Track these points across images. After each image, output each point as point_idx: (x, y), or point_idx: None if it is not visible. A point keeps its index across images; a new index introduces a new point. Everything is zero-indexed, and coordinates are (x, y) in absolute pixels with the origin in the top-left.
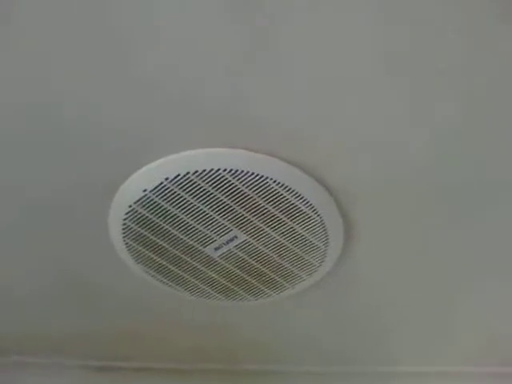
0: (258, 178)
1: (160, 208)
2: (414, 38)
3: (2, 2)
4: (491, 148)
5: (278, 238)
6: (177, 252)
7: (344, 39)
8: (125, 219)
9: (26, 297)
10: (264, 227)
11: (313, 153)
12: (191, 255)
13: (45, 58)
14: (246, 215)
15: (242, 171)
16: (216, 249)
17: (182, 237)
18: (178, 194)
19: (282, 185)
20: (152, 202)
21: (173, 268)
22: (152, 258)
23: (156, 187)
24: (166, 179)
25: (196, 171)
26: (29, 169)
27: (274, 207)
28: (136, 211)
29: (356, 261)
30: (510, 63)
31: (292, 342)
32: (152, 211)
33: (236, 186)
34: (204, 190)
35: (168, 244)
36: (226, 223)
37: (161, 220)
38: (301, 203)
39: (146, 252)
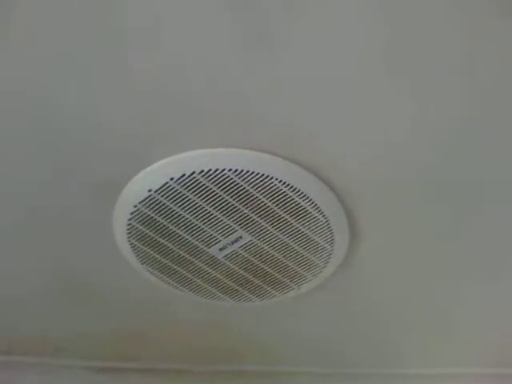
0: (263, 178)
1: (165, 208)
2: (414, 38)
3: (2, 2)
4: (494, 147)
5: (283, 238)
6: (181, 252)
7: (344, 39)
8: (129, 219)
9: (29, 297)
10: (269, 228)
11: (317, 153)
12: (196, 255)
13: (45, 58)
14: (251, 215)
15: (248, 171)
16: (221, 249)
17: (186, 237)
18: (183, 194)
19: (288, 185)
20: (157, 202)
21: (177, 268)
22: (157, 259)
23: (161, 187)
24: (171, 179)
25: (201, 171)
26: (33, 169)
27: (279, 207)
28: (141, 211)
29: (361, 261)
30: (510, 63)
31: (297, 342)
32: (157, 211)
33: (241, 185)
34: (209, 190)
35: (173, 244)
36: (231, 223)
37: (166, 220)
38: (306, 203)
39: (151, 252)
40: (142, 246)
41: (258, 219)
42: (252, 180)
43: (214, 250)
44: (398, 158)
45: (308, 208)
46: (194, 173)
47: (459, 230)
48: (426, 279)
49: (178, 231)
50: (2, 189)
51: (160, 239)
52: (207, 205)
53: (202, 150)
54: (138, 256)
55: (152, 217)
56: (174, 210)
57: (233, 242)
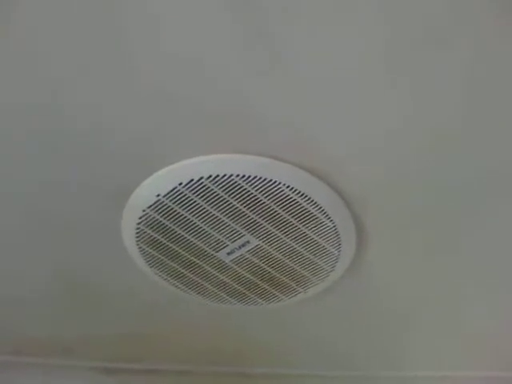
0: (270, 183)
1: (173, 213)
2: (414, 38)
3: (2, 2)
4: (495, 147)
5: (290, 242)
6: (190, 256)
7: (344, 39)
8: (138, 223)
9: (37, 298)
10: (276, 232)
11: (324, 157)
12: (204, 259)
13: (53, 60)
14: (259, 220)
15: (255, 177)
16: (228, 253)
17: (194, 241)
18: (191, 199)
19: (295, 190)
20: (165, 207)
21: (185, 272)
22: (165, 262)
23: (169, 192)
24: (180, 184)
25: (209, 176)
26: (44, 173)
27: (286, 212)
28: (149, 216)
29: (368, 266)
30: (510, 63)
31: (303, 345)
32: (165, 216)
33: (249, 191)
34: (217, 195)
35: (181, 248)
36: (239, 228)
37: (174, 224)
38: (313, 208)
39: (159, 256)
40: (150, 250)
41: (266, 224)
42: (259, 185)
43: (221, 254)
44: (403, 163)
45: (315, 213)
46: (202, 178)
47: (469, 234)
48: (432, 283)
49: (186, 235)
50: (14, 193)
51: (168, 243)
52: (215, 210)
53: (210, 155)
54: (146, 259)
55: (160, 221)
56: (182, 215)
57: (240, 247)
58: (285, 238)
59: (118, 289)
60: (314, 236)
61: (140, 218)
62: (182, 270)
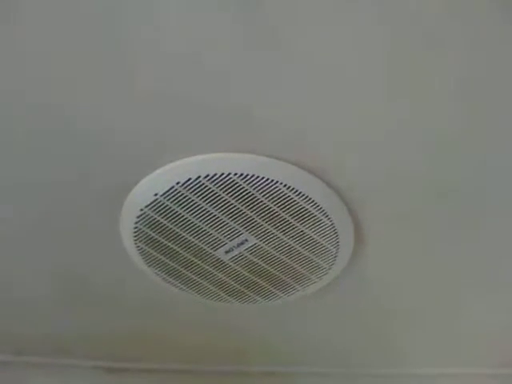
0: (268, 181)
1: (171, 212)
2: (414, 39)
3: (3, 2)
4: (495, 149)
5: (288, 241)
6: (188, 255)
7: (345, 39)
8: (136, 223)
9: (36, 298)
10: (274, 231)
11: (321, 156)
12: (202, 258)
13: (53, 60)
14: (257, 219)
15: (253, 175)
16: (227, 252)
17: (193, 240)
18: (189, 198)
19: (292, 188)
20: (163, 206)
21: (184, 271)
22: (163, 261)
23: (167, 191)
24: (177, 183)
25: (207, 175)
26: (40, 174)
27: (284, 211)
28: (147, 215)
29: (366, 263)
30: (510, 63)
31: (302, 343)
32: (163, 215)
33: (246, 189)
34: (215, 193)
35: (179, 247)
36: (237, 227)
37: (172, 223)
38: (311, 207)
39: (158, 255)
40: (148, 249)
41: (264, 222)
42: (257, 184)
43: (219, 253)
44: (401, 162)
45: (313, 211)
46: (199, 177)
47: (466, 231)
48: (430, 280)
49: (184, 234)
50: (11, 193)
51: (166, 242)
52: (213, 208)
53: (208, 154)
54: (144, 259)
55: (158, 220)
56: (180, 214)
57: (238, 245)
58: (283, 237)
59: (117, 288)
60: (312, 234)
61: (138, 217)
62: (181, 269)
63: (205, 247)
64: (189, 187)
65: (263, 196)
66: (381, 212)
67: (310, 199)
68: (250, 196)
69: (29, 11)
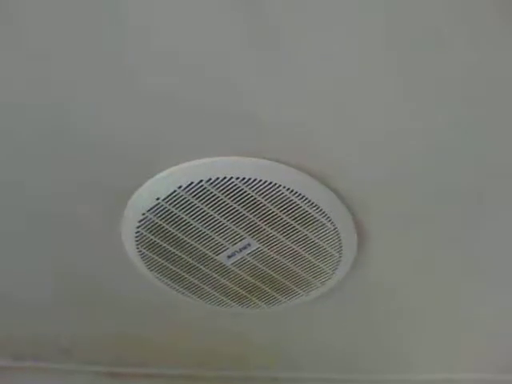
0: (270, 185)
1: (173, 216)
2: (415, 39)
3: (3, 2)
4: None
5: (291, 245)
6: (190, 260)
7: (345, 40)
8: (138, 227)
9: (38, 302)
10: (277, 235)
11: (324, 159)
12: (204, 263)
13: (53, 61)
14: (259, 223)
15: (255, 179)
16: (229, 256)
17: (195, 245)
18: (191, 202)
19: (295, 192)
20: (165, 210)
21: (186, 275)
22: (165, 266)
23: (169, 195)
24: (179, 187)
25: (209, 179)
26: (42, 177)
27: (286, 215)
28: (149, 219)
29: (369, 268)
30: (510, 63)
31: (305, 349)
32: (165, 219)
33: (249, 193)
34: (217, 198)
35: (181, 252)
36: (239, 231)
37: (174, 228)
38: (314, 211)
39: (160, 260)
40: (150, 254)
41: (266, 227)
42: (259, 188)
43: (222, 258)
44: (404, 166)
45: (315, 215)
46: (201, 181)
47: (470, 236)
48: (435, 285)
49: (186, 239)
50: (12, 195)
51: (168, 247)
52: (215, 212)
53: (210, 158)
54: (146, 263)
55: (160, 225)
56: (182, 218)
57: (241, 250)
58: (285, 241)
59: (119, 293)
60: (314, 238)
61: (140, 221)
62: (183, 274)
63: (207, 252)
64: (191, 191)
65: (266, 200)
66: (384, 216)
67: (312, 203)
68: (252, 200)
69: (29, 11)
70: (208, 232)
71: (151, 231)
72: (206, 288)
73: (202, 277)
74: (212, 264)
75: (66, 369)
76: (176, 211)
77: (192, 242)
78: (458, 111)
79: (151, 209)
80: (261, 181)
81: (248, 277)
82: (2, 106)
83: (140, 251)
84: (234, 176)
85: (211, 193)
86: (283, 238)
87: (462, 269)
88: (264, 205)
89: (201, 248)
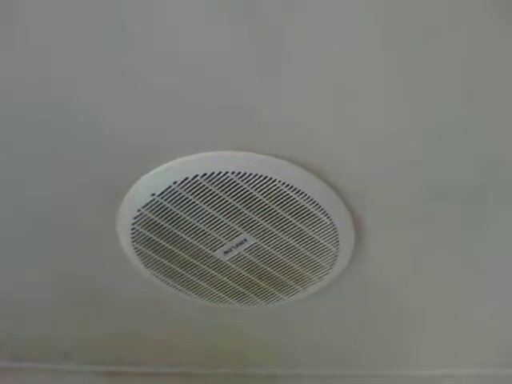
0: (266, 180)
1: (168, 212)
2: (415, 39)
3: (4, 2)
4: (495, 147)
5: (288, 240)
6: (186, 256)
7: (345, 39)
8: (133, 224)
9: (35, 302)
10: (274, 230)
11: (321, 154)
12: (201, 259)
13: (53, 60)
14: (256, 218)
15: (251, 173)
16: (225, 252)
17: (191, 241)
18: (187, 198)
19: (291, 187)
20: (160, 206)
21: (182, 272)
22: (161, 263)
23: (164, 191)
24: (174, 183)
25: (204, 174)
26: (37, 174)
27: (283, 209)
28: (144, 215)
29: (367, 263)
30: (510, 62)
31: (304, 345)
32: (160, 215)
33: (244, 188)
34: (213, 193)
35: (177, 248)
36: (235, 226)
37: (169, 224)
38: (310, 205)
39: (156, 256)
40: (146, 250)
41: (262, 221)
42: (255, 182)
43: (218, 253)
44: (400, 158)
45: (312, 210)
46: (196, 176)
47: (468, 232)
48: (432, 279)
49: (182, 235)
50: (8, 193)
51: (164, 243)
52: (211, 208)
53: (205, 153)
54: (142, 260)
55: (156, 221)
56: (177, 214)
57: (237, 245)
58: (282, 236)
59: (116, 291)
60: (311, 233)
61: (135, 218)
62: (179, 270)
63: (203, 248)
64: (186, 187)
65: (262, 194)
66: (381, 211)
67: (308, 197)
68: (248, 195)
69: (28, 11)
70: (204, 228)
71: (147, 227)
72: (203, 284)
73: (199, 273)
74: (209, 260)
75: (64, 369)
76: (171, 207)
77: (188, 238)
78: (458, 111)
79: (146, 205)
80: (257, 175)
81: (245, 273)
82: (2, 106)
83: (136, 248)
84: (230, 171)
85: (207, 188)
86: (280, 233)
87: (461, 264)
88: (260, 199)
89: (197, 244)
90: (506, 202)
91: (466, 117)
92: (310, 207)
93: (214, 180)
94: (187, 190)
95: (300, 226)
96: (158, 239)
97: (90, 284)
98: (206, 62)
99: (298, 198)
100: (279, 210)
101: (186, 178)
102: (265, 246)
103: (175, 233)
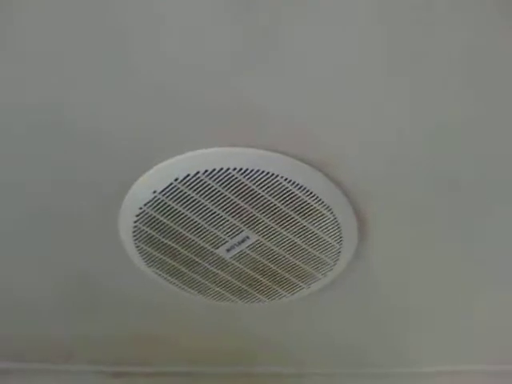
0: (268, 176)
1: (170, 209)
2: (415, 38)
3: (4, 2)
4: (498, 144)
5: (290, 237)
6: (188, 254)
7: (345, 39)
8: (135, 221)
9: (38, 302)
10: (276, 227)
11: (322, 150)
12: (203, 257)
13: (53, 59)
14: (258, 215)
15: (252, 170)
16: (228, 250)
17: (193, 238)
18: (188, 195)
19: (294, 182)
20: (162, 204)
21: (185, 270)
22: (164, 261)
23: (166, 188)
24: (176, 180)
25: (206, 171)
26: (39, 173)
27: (285, 206)
28: (146, 213)
29: (371, 258)
30: (510, 61)
31: (308, 343)
32: (162, 213)
33: (246, 184)
34: (214, 189)
35: (179, 246)
36: (238, 223)
37: (171, 221)
38: (313, 201)
39: (158, 254)
40: (148, 249)
41: (265, 218)
42: (257, 179)
43: (221, 251)
44: (403, 155)
45: (315, 206)
46: (198, 173)
47: (471, 228)
48: (437, 275)
49: (184, 232)
50: (9, 192)
51: (166, 241)
52: (213, 205)
53: (206, 149)
54: (144, 258)
55: (158, 218)
56: (179, 211)
57: (240, 243)
58: (285, 233)
59: (118, 289)
60: (314, 230)
61: (137, 215)
62: (182, 268)
63: (206, 245)
64: (188, 184)
65: (264, 191)
66: (384, 206)
67: (311, 193)
68: (250, 191)
69: (29, 11)
70: (206, 225)
71: (149, 225)
72: (206, 282)
73: (202, 271)
74: (211, 258)
75: (68, 369)
76: (173, 204)
77: (190, 236)
78: (458, 110)
79: (148, 202)
80: (258, 171)
81: (248, 270)
82: (2, 106)
83: (138, 246)
84: (231, 167)
85: (208, 185)
86: (282, 230)
87: (464, 259)
88: (262, 196)
89: (199, 242)
90: (506, 201)
91: (467, 115)
92: (312, 203)
93: (216, 177)
94: (189, 187)
95: (303, 222)
96: (160, 237)
97: (93, 283)
98: (206, 61)
99: (300, 194)
100: (282, 207)
101: (188, 175)
102: (267, 243)
103: (177, 230)
